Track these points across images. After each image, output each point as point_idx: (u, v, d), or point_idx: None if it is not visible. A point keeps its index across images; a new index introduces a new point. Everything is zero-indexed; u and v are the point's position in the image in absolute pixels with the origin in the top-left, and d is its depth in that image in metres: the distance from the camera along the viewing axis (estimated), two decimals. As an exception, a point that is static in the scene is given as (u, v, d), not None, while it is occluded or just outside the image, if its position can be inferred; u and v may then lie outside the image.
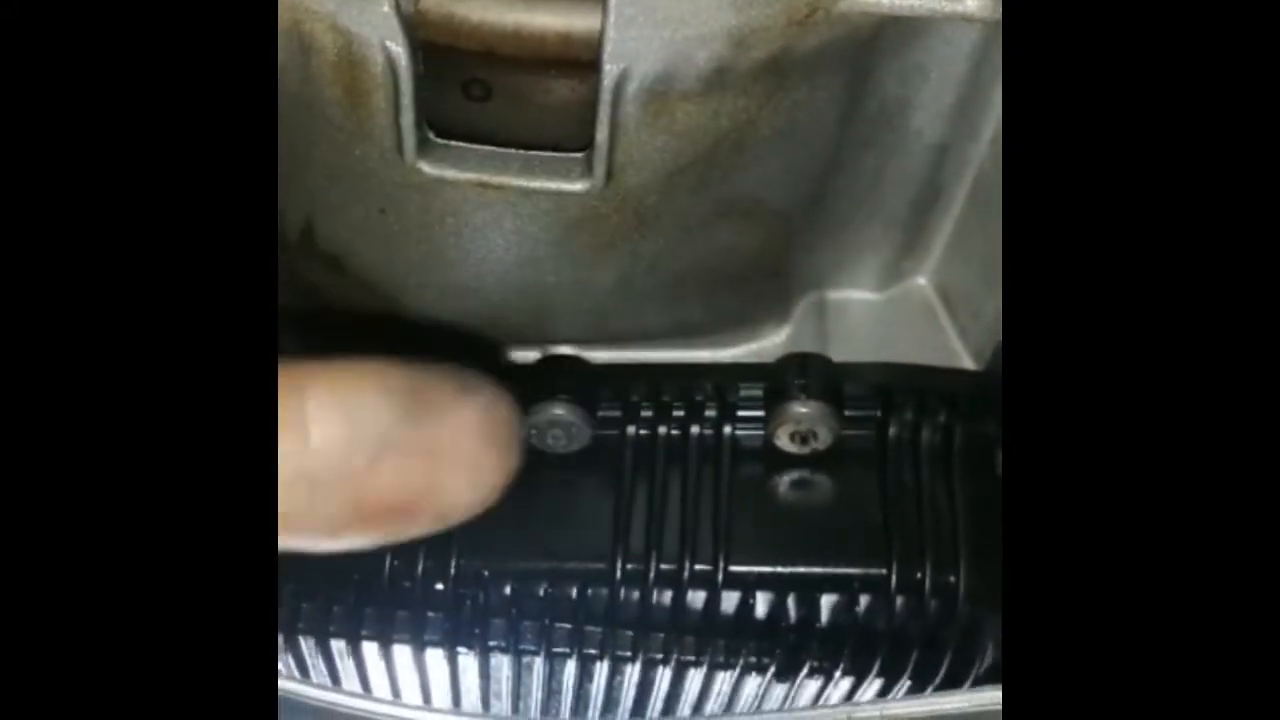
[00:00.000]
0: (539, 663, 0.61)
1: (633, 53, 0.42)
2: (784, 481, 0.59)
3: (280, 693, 0.57)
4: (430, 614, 0.60)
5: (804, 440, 0.58)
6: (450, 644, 0.61)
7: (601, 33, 0.41)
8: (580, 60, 0.44)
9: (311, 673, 0.62)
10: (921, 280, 0.64)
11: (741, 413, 0.59)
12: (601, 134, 0.45)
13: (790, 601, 0.60)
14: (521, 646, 0.60)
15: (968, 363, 0.62)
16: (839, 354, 0.60)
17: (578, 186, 0.47)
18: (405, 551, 0.58)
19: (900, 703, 0.57)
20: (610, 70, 0.42)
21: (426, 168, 0.46)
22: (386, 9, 0.41)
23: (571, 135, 0.47)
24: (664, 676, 0.61)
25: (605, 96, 0.43)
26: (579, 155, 0.47)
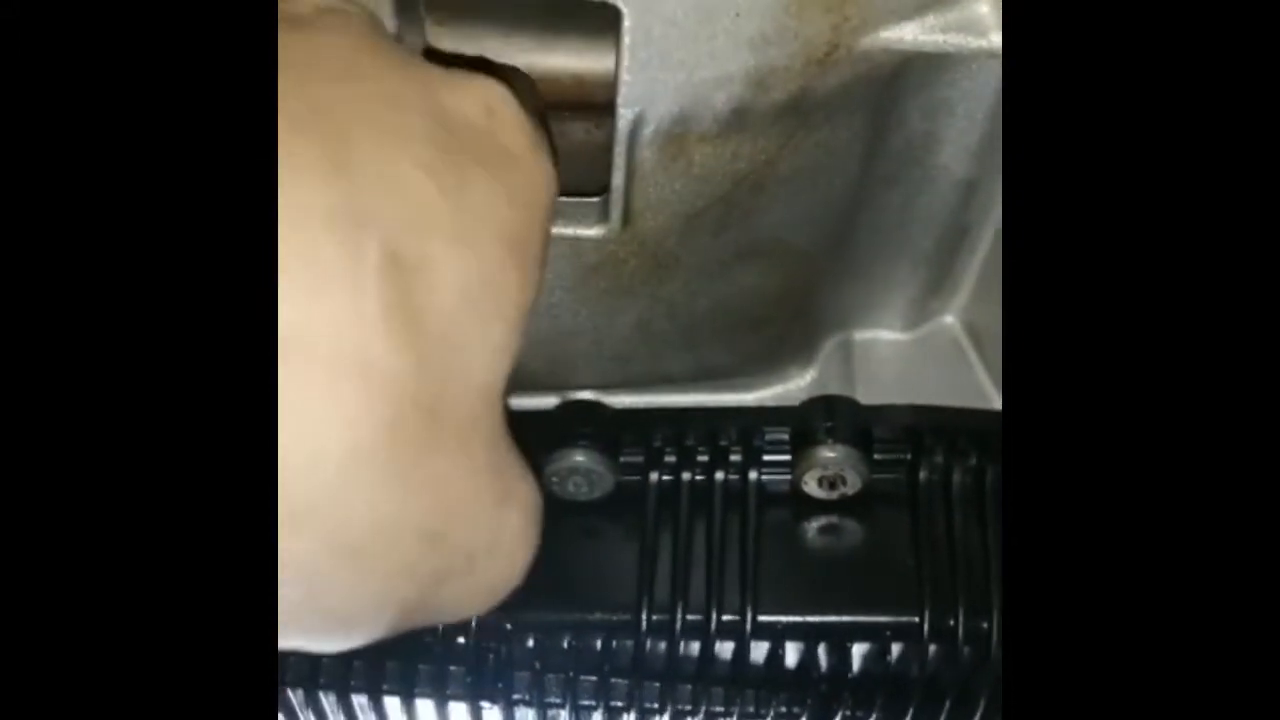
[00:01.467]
0: (564, 715, 0.60)
1: (648, 96, 0.41)
2: (812, 527, 0.58)
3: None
4: (453, 667, 0.59)
5: (832, 485, 0.57)
6: (474, 697, 0.60)
7: (616, 75, 0.40)
8: (595, 102, 0.43)
9: (333, 728, 0.61)
10: (950, 319, 0.62)
11: (767, 457, 0.58)
12: (618, 178, 0.44)
13: (821, 650, 0.58)
14: (546, 699, 0.59)
15: (998, 403, 0.60)
16: (866, 395, 0.59)
17: (594, 231, 0.46)
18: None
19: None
20: (625, 114, 0.41)
21: None
22: None
23: (588, 178, 0.46)
24: (693, 728, 0.60)
25: (621, 139, 0.42)
26: (595, 199, 0.46)
